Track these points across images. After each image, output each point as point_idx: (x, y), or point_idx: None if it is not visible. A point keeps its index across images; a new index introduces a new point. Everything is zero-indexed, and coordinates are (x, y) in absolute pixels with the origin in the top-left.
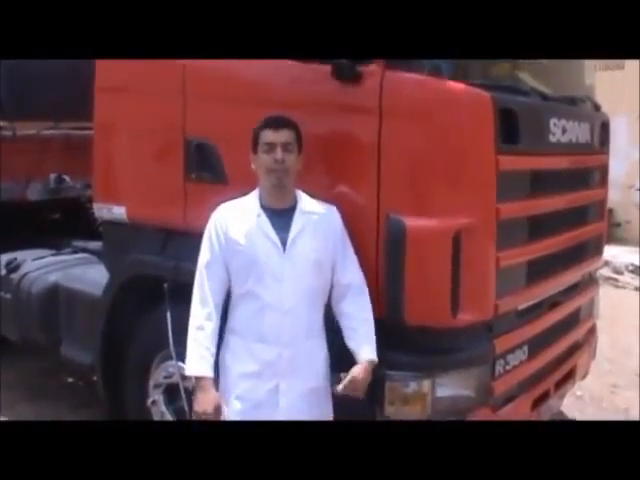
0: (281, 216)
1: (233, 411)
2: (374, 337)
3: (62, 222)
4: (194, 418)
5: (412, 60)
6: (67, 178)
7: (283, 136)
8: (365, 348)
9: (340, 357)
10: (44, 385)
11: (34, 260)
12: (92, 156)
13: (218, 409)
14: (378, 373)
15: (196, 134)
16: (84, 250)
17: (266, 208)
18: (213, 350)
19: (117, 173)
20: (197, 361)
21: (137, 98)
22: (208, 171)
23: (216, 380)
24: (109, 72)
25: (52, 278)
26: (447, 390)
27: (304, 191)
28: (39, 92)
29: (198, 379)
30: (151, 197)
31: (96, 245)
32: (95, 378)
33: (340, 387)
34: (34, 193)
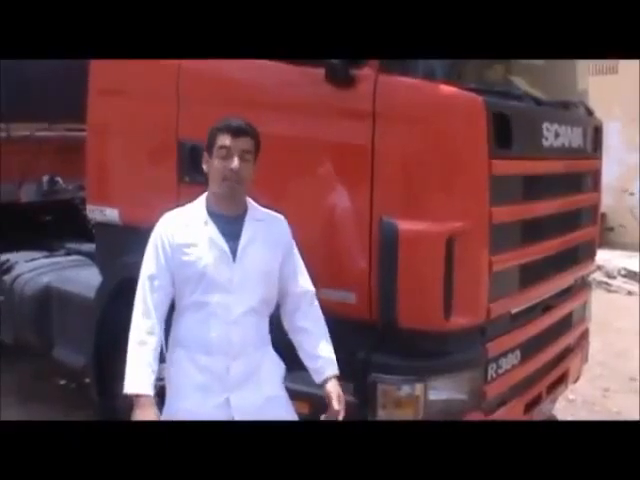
0: (230, 224)
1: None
2: (332, 350)
3: (55, 224)
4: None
5: (406, 63)
6: (60, 180)
7: (242, 143)
8: (329, 366)
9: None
10: (36, 387)
11: (27, 262)
12: (85, 158)
13: None
14: (370, 377)
15: (189, 137)
16: (77, 252)
17: (214, 215)
18: (155, 366)
19: (110, 175)
20: (136, 378)
21: (131, 100)
22: (201, 174)
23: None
24: (104, 74)
25: (45, 280)
26: (440, 394)
27: (293, 195)
28: (34, 94)
29: (137, 397)
30: (144, 200)
31: (89, 247)
32: (88, 380)
33: (323, 416)
34: (27, 194)
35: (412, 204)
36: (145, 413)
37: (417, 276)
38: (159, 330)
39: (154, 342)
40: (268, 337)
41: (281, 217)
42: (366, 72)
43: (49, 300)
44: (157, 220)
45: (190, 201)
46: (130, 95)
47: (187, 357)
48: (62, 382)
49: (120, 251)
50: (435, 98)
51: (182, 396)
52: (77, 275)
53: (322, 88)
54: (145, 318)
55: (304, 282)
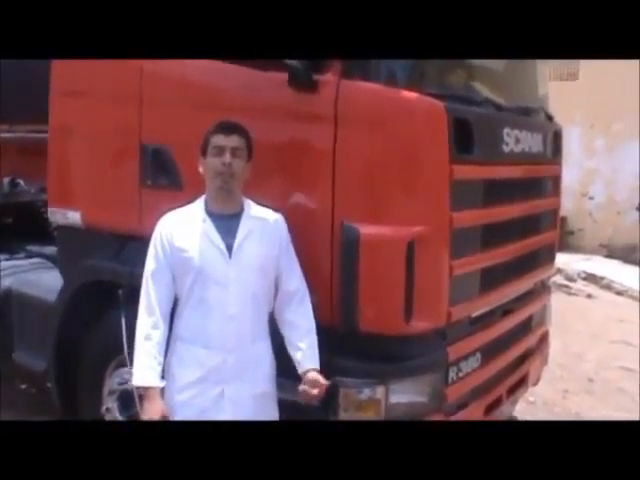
0: (227, 221)
1: (179, 418)
2: (317, 346)
3: (16, 226)
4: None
5: (368, 69)
6: (22, 182)
7: (233, 141)
8: (312, 358)
9: (284, 361)
10: None
11: None
12: (47, 160)
13: (164, 418)
14: (332, 380)
15: (152, 140)
16: (39, 255)
17: (212, 214)
18: (160, 359)
19: (72, 178)
20: (144, 371)
21: (93, 102)
22: (164, 177)
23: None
24: (65, 75)
25: (5, 283)
26: (401, 397)
27: (256, 199)
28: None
29: (145, 389)
30: (106, 202)
31: (51, 250)
32: (49, 385)
33: (299, 398)
34: None
35: (373, 209)
36: (152, 404)
37: (378, 280)
38: (162, 324)
39: (158, 336)
40: (267, 332)
41: (278, 215)
42: (328, 77)
43: (9, 303)
44: (119, 223)
45: (152, 205)
46: (92, 97)
47: (187, 350)
48: (23, 386)
49: (82, 254)
50: (396, 103)
51: (180, 388)
52: (38, 278)
53: (284, 92)
54: (149, 313)
55: (296, 281)
